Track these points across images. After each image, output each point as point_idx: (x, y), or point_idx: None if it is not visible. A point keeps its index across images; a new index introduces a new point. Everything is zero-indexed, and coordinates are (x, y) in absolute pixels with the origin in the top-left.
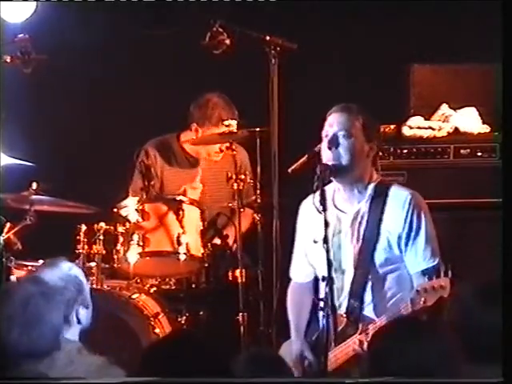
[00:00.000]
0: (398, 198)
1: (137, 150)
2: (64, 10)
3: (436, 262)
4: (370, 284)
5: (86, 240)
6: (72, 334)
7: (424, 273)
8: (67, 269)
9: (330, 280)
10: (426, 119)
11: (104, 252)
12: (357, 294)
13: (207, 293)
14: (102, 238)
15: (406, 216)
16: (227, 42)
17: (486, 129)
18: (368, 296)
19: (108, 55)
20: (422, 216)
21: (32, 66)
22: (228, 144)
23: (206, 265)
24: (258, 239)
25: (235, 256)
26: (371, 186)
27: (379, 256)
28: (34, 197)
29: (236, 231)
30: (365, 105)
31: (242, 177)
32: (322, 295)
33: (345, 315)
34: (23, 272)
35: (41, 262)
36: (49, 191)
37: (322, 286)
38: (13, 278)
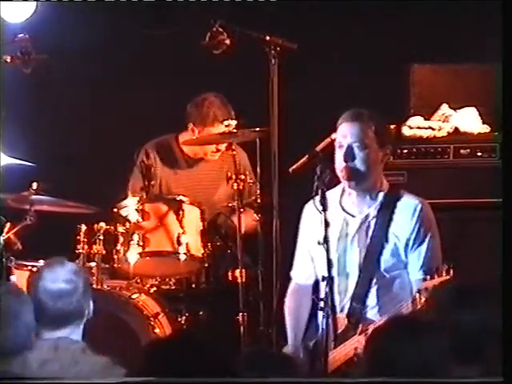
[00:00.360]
0: (408, 205)
1: (137, 150)
2: (64, 10)
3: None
4: (373, 288)
5: (85, 240)
6: (76, 334)
7: (424, 280)
8: (75, 265)
9: (330, 280)
10: (425, 119)
11: (104, 252)
12: (360, 297)
13: (207, 293)
14: (101, 237)
15: (415, 224)
16: (227, 42)
17: (486, 129)
18: (371, 300)
19: (108, 55)
20: (430, 226)
21: (32, 66)
22: (226, 144)
23: (206, 265)
24: (258, 239)
25: (235, 256)
26: (382, 194)
27: (385, 261)
28: (33, 197)
29: (236, 231)
30: (365, 105)
31: (242, 177)
32: (322, 295)
33: (346, 318)
34: (23, 272)
35: (41, 261)
36: (49, 191)
37: (322, 285)
38: (13, 277)
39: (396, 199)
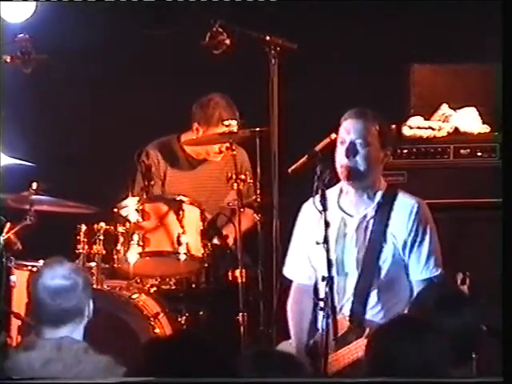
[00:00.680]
0: (405, 205)
1: (137, 151)
2: (64, 10)
3: (438, 273)
4: (373, 288)
5: (85, 240)
6: (77, 333)
7: (425, 282)
8: (74, 264)
9: (330, 280)
10: (425, 119)
11: (104, 252)
12: (360, 298)
13: (207, 293)
14: (102, 237)
15: (413, 224)
16: (227, 42)
17: (486, 129)
18: (372, 301)
19: (108, 55)
20: (428, 225)
21: (32, 66)
22: (228, 144)
23: (206, 265)
24: (258, 239)
25: (235, 256)
26: (380, 193)
27: (384, 261)
28: (33, 197)
29: (236, 231)
30: (365, 105)
31: (242, 177)
32: (322, 295)
33: (348, 319)
34: (23, 272)
35: (41, 261)
36: (49, 191)
37: (322, 285)
38: (13, 277)
39: (393, 199)
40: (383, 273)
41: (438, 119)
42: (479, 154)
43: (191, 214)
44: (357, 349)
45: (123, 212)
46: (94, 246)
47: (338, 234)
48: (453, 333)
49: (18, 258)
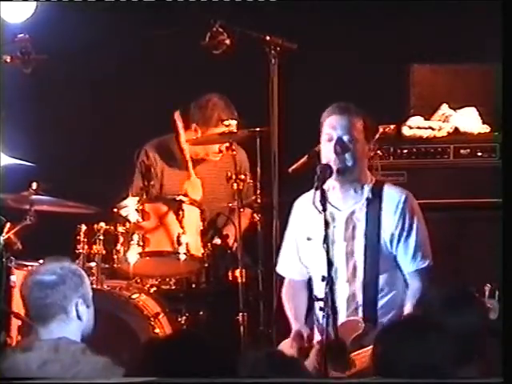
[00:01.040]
0: (393, 197)
1: (137, 151)
2: (64, 10)
3: (426, 265)
4: (364, 282)
5: (85, 240)
6: (75, 335)
7: (418, 273)
8: (67, 263)
9: (330, 280)
10: (426, 119)
11: (104, 252)
12: (369, 296)
13: (207, 293)
14: (102, 237)
15: (400, 216)
16: (227, 42)
17: (486, 129)
18: (360, 294)
19: (108, 55)
20: (415, 217)
21: (32, 65)
22: (228, 144)
23: (206, 265)
24: (257, 239)
25: (235, 256)
26: (367, 187)
27: (374, 255)
28: (33, 197)
29: (236, 231)
30: (365, 105)
31: (242, 177)
32: (321, 295)
33: (361, 319)
34: (23, 272)
35: (41, 262)
36: (49, 191)
37: (322, 285)
38: (13, 277)
39: (380, 192)
40: (374, 266)
41: (438, 119)
42: (479, 153)
43: (191, 214)
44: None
45: (123, 212)
46: (94, 246)
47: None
48: (460, 332)
49: (18, 258)
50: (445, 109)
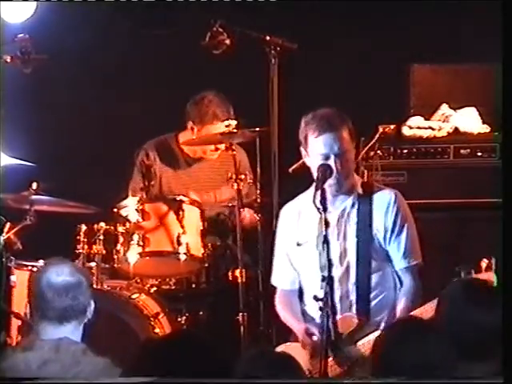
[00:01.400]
0: (383, 197)
1: (137, 150)
2: (64, 10)
3: (416, 262)
4: (357, 280)
5: (85, 240)
6: (77, 333)
7: (410, 270)
8: (75, 263)
9: (330, 280)
10: (426, 119)
11: (104, 252)
12: (362, 292)
13: (207, 293)
14: (102, 237)
15: (391, 215)
16: (227, 42)
17: (486, 129)
18: (353, 292)
19: (108, 55)
20: (405, 215)
21: (32, 65)
22: (227, 144)
23: (206, 265)
24: (258, 239)
25: (235, 256)
26: (356, 187)
27: (369, 253)
28: (33, 197)
29: (236, 231)
30: (365, 105)
31: (242, 177)
32: (320, 295)
33: (355, 315)
34: (23, 272)
35: (41, 261)
36: (49, 191)
37: (314, 288)
38: (13, 277)
39: (370, 192)
40: (374, 265)
41: (438, 119)
42: (479, 153)
43: (191, 214)
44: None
45: (123, 212)
46: (94, 246)
47: (319, 231)
48: (483, 328)
49: (18, 257)
50: (445, 109)
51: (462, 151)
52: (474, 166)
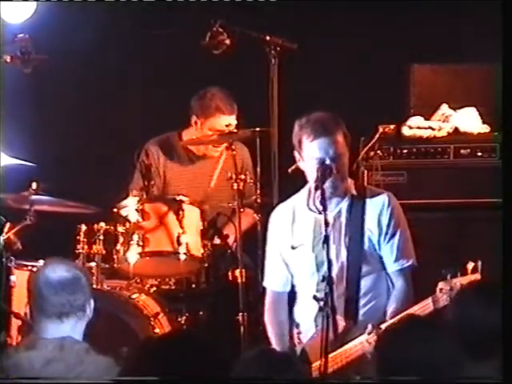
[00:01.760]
0: (377, 199)
1: (137, 150)
2: (64, 10)
3: (409, 264)
4: (347, 282)
5: (85, 240)
6: (78, 331)
7: (402, 272)
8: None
9: (330, 280)
10: (426, 119)
11: (104, 252)
12: (351, 295)
13: (207, 293)
14: (102, 237)
15: (385, 217)
16: (227, 42)
17: (485, 129)
18: (360, 296)
19: (108, 55)
20: (399, 217)
21: (32, 65)
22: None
23: (206, 265)
24: (257, 239)
25: (235, 256)
26: (349, 189)
27: (364, 256)
28: (33, 197)
29: (236, 231)
30: (365, 105)
31: (242, 177)
32: (320, 295)
33: (343, 318)
34: (23, 272)
35: (41, 261)
36: (49, 191)
37: (322, 286)
38: (13, 277)
39: (363, 194)
40: (366, 268)
41: (438, 119)
42: (479, 153)
43: (191, 214)
44: (363, 345)
45: (123, 212)
46: (94, 246)
47: (315, 234)
48: (489, 327)
49: (18, 257)
50: (445, 109)
51: (462, 151)
52: (473, 166)
